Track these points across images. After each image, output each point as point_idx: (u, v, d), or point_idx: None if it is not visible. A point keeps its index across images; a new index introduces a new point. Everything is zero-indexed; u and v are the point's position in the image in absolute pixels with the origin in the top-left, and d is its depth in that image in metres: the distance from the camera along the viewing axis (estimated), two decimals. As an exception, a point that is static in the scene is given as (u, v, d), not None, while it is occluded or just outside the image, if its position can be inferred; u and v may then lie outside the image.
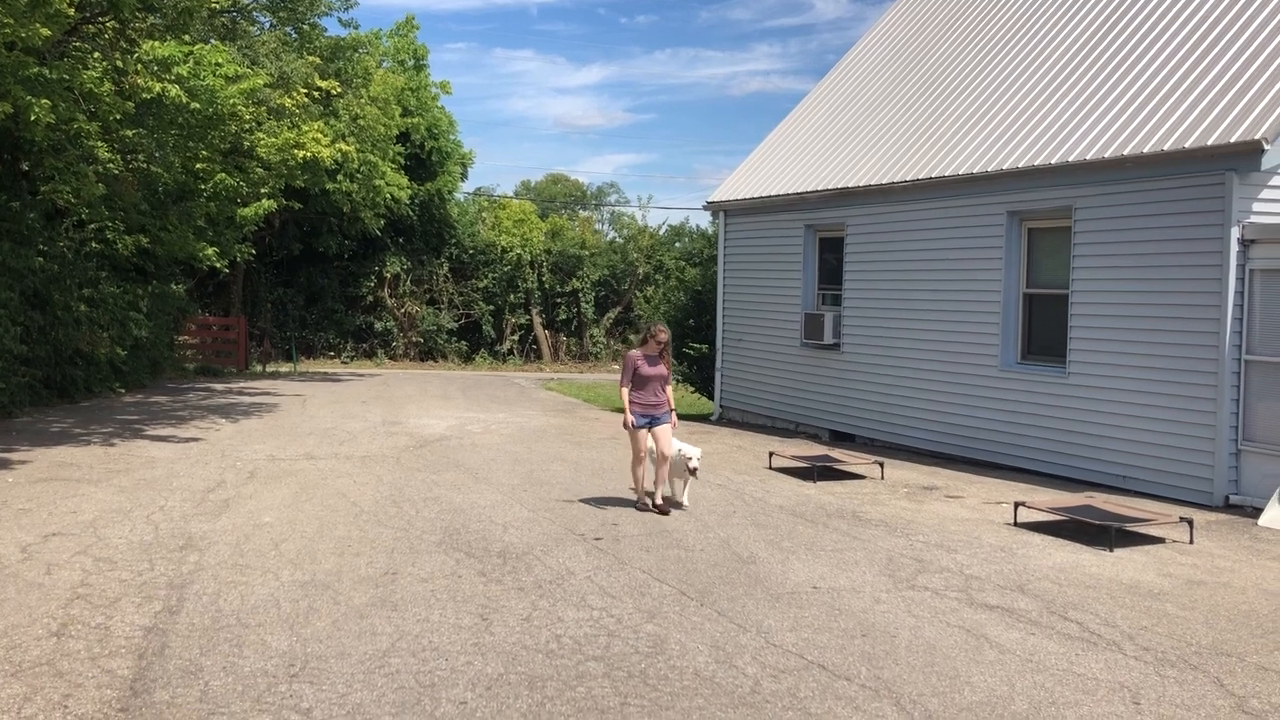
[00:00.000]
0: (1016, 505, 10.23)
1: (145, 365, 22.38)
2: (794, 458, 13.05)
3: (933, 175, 14.22)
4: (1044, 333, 13.09)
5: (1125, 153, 11.68)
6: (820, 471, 12.49)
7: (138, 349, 21.32)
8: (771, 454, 13.42)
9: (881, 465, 12.79)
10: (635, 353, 10.40)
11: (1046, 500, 10.48)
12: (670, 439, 10.29)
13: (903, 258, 14.97)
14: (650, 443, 10.34)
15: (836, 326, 16.09)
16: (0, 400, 15.55)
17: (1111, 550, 8.98)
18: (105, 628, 6.27)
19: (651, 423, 10.31)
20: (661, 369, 10.36)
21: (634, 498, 10.54)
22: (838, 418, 16.21)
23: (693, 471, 10.31)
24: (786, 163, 18.12)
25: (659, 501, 10.27)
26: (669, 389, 10.49)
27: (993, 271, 13.49)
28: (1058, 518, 9.96)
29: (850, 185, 15.70)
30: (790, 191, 17.04)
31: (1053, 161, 12.54)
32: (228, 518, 9.44)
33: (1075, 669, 6.04)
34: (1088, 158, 12.10)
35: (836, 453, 13.52)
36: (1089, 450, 12.18)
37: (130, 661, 5.73)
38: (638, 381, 10.30)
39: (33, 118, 13.98)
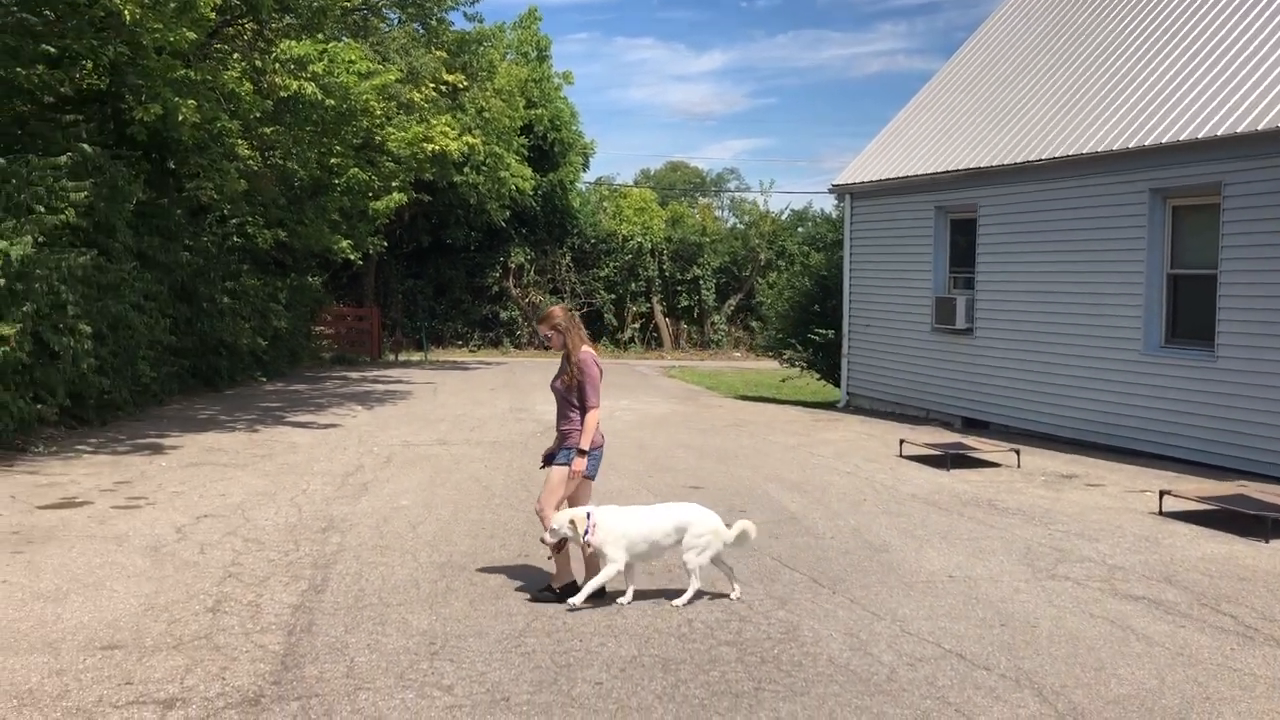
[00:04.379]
0: (1161, 494, 9.83)
1: (284, 355, 23.22)
2: (926, 445, 12.79)
3: (1070, 153, 13.73)
4: (1190, 315, 12.53)
5: (1280, 124, 11.08)
6: (953, 459, 12.21)
7: (277, 339, 22.14)
8: (902, 441, 13.18)
9: (1017, 453, 12.43)
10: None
11: (1194, 489, 10.04)
12: (552, 489, 6.82)
13: (1039, 239, 14.50)
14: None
15: (969, 310, 15.70)
16: (152, 389, 16.33)
17: (1268, 541, 8.54)
18: (256, 605, 6.53)
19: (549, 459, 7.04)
20: (561, 380, 6.91)
21: None
22: (970, 404, 15.83)
23: (550, 541, 6.75)
24: (915, 143, 17.74)
25: (555, 584, 6.82)
26: (589, 415, 6.78)
27: (1135, 252, 12.97)
28: (1207, 507, 9.52)
29: (983, 165, 15.28)
30: (920, 172, 16.68)
31: (1199, 136, 11.97)
32: (367, 501, 9.73)
33: (1231, 664, 5.78)
34: (1238, 130, 11.51)
35: (970, 440, 13.20)
36: (1239, 437, 11.61)
37: (280, 637, 5.96)
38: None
39: (180, 118, 14.63)
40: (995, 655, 5.87)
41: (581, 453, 6.77)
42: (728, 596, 6.82)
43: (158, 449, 12.57)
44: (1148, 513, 9.70)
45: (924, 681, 5.47)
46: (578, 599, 6.55)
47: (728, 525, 6.85)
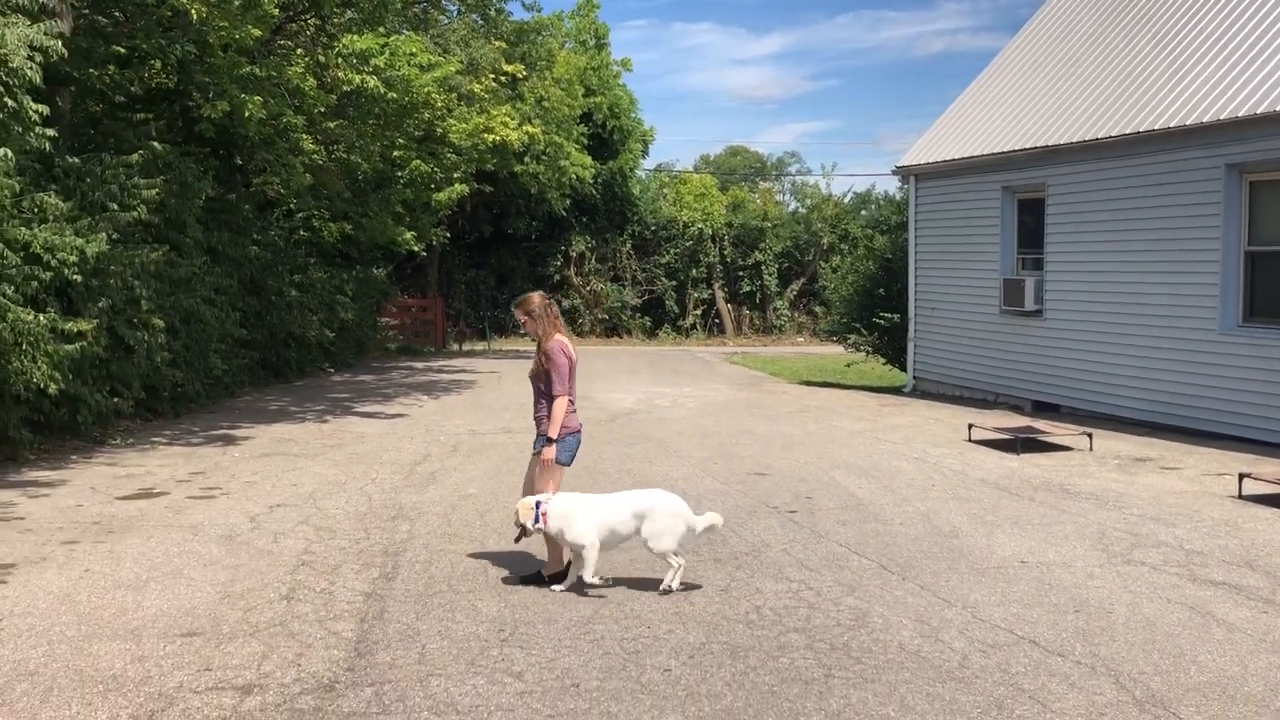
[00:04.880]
0: (1241, 476, 9.58)
1: (351, 346, 23.54)
2: (995, 429, 12.60)
3: (1141, 129, 13.40)
4: (1269, 293, 12.17)
5: (1363, 94, 10.70)
6: (1023, 443, 12.01)
7: (344, 331, 22.45)
8: (971, 426, 13.00)
9: (1089, 436, 12.19)
10: None
11: (1275, 471, 9.77)
12: (538, 479, 6.96)
13: (1109, 218, 14.19)
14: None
15: (1038, 292, 15.42)
16: (223, 381, 16.66)
17: (1353, 525, 8.30)
18: (329, 593, 6.63)
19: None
20: (532, 368, 7.11)
21: None
22: (1040, 387, 15.56)
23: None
24: (980, 123, 17.44)
25: (551, 569, 6.89)
26: (556, 403, 6.81)
27: (1210, 229, 12.63)
28: (1289, 490, 9.27)
29: (1051, 143, 14.98)
30: (986, 152, 16.40)
31: (1278, 108, 11.61)
32: (435, 489, 9.83)
33: (1317, 651, 5.62)
34: (1319, 101, 11.15)
35: (1040, 423, 12.99)
36: (1323, 418, 11.28)
37: (353, 624, 6.05)
38: None
39: (247, 114, 14.88)
40: (1070, 642, 5.77)
41: (550, 440, 6.85)
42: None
43: (230, 440, 12.82)
44: (1226, 496, 9.46)
45: (997, 668, 5.39)
46: (604, 589, 6.62)
47: (718, 513, 6.98)
